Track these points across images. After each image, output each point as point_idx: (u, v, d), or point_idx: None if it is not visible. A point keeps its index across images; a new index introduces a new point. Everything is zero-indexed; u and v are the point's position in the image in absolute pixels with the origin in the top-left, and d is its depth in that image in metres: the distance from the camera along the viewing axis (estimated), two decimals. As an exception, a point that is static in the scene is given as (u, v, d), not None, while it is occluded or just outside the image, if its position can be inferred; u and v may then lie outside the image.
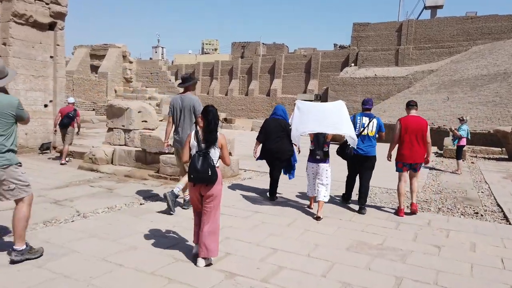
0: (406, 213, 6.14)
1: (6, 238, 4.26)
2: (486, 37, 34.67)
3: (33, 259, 3.65)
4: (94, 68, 30.11)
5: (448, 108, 23.64)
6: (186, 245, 4.32)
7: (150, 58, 65.56)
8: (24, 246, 3.64)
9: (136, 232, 4.65)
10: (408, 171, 6.19)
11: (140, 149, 9.28)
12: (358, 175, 6.51)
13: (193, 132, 3.87)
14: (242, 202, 6.52)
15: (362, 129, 6.13)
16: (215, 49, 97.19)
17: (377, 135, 6.31)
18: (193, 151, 3.77)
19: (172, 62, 71.14)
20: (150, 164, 9.17)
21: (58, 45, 11.91)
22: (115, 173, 9.05)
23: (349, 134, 5.62)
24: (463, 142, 11.80)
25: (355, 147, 6.00)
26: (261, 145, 6.71)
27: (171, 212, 5.48)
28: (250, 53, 64.01)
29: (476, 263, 4.23)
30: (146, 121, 10.26)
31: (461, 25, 36.28)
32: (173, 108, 5.87)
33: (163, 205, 5.96)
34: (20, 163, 3.72)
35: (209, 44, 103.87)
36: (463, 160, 14.00)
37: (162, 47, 67.03)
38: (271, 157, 6.62)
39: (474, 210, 6.92)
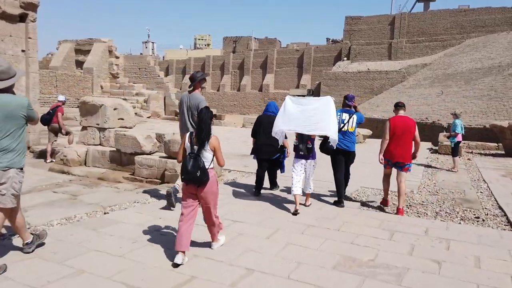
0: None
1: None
2: (480, 30, 34.22)
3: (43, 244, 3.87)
4: (80, 64, 29.21)
5: (442, 103, 23.15)
6: (144, 271, 3.68)
7: (141, 54, 64.51)
8: (31, 239, 3.81)
9: (88, 251, 4.00)
10: (391, 170, 6.36)
11: (115, 149, 8.60)
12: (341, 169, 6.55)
13: (187, 134, 4.00)
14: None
15: (342, 125, 6.25)
16: (208, 45, 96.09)
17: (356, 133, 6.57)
18: (186, 153, 3.93)
19: (163, 57, 70.04)
20: (125, 165, 8.51)
21: (30, 38, 11.14)
22: (88, 175, 8.38)
23: (330, 135, 5.71)
24: (459, 138, 11.27)
25: (334, 146, 6.07)
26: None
27: (172, 208, 5.59)
28: (242, 48, 63.17)
29: (482, 283, 3.64)
30: (122, 119, 9.57)
31: (454, 18, 35.78)
32: (180, 106, 6.01)
33: (130, 214, 5.32)
34: (21, 168, 3.60)
35: (202, 39, 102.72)
36: (459, 157, 13.51)
37: (153, 42, 66.00)
38: (260, 153, 6.68)
39: (474, 214, 6.36)
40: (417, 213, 6.32)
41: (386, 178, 6.40)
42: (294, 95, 7.80)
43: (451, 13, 36.20)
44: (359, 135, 16.45)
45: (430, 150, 15.17)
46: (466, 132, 17.84)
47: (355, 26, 41.13)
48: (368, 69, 36.37)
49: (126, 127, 9.55)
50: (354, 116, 6.33)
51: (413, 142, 6.08)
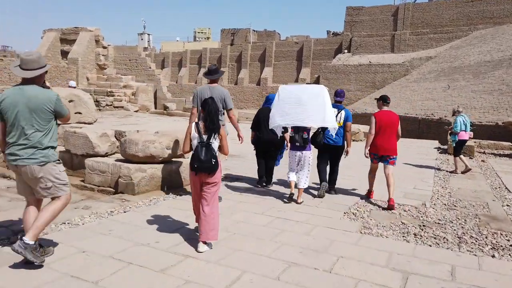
0: (384, 208, 6.02)
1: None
2: (488, 21, 32.52)
3: (30, 261, 3.23)
4: (65, 54, 27.67)
5: (449, 97, 21.63)
6: None
7: (137, 46, 62.84)
8: (32, 243, 3.27)
9: None
10: (378, 164, 6.43)
11: (64, 149, 7.14)
12: (328, 163, 6.72)
13: (193, 124, 4.09)
14: (175, 239, 4.40)
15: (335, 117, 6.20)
16: (208, 38, 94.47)
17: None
18: (195, 142, 3.99)
19: (160, 50, 68.37)
20: (77, 169, 7.06)
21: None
22: (31, 181, 6.92)
23: (328, 125, 5.82)
24: (462, 136, 9.72)
25: (328, 136, 6.32)
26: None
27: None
28: (240, 41, 61.55)
29: None
30: (80, 113, 8.12)
31: (461, 9, 34.05)
32: (199, 99, 5.72)
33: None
34: (59, 160, 3.58)
35: (201, 32, 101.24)
36: (470, 158, 12.05)
37: (148, 34, 63.97)
38: (262, 146, 6.82)
39: (508, 240, 4.90)
40: (434, 237, 4.86)
41: (373, 172, 6.49)
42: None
43: (458, 4, 34.46)
44: (360, 132, 14.99)
45: (438, 150, 13.68)
46: (477, 130, 16.40)
47: (357, 17, 39.38)
48: (370, 62, 34.74)
49: (85, 123, 8.10)
50: (342, 112, 6.48)
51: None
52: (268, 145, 6.76)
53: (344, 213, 5.68)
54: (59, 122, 3.63)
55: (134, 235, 4.29)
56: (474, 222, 5.58)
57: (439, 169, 10.02)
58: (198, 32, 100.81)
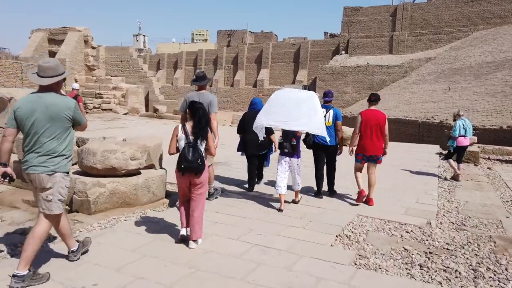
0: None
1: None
2: (488, 22, 31.75)
3: (35, 285, 3.13)
4: (53, 55, 26.78)
5: (450, 100, 20.82)
6: None
7: (129, 47, 61.94)
8: (27, 271, 3.16)
9: None
10: (367, 164, 6.34)
11: (18, 159, 6.24)
12: (325, 165, 6.73)
13: (180, 125, 4.21)
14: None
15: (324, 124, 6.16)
16: (206, 40, 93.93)
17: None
18: (182, 143, 4.08)
19: (156, 51, 67.55)
20: (31, 182, 6.14)
21: None
22: (-22, 196, 6.03)
23: (317, 131, 5.57)
24: (461, 142, 8.93)
25: (320, 137, 6.19)
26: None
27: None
28: (236, 42, 60.80)
29: None
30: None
31: (461, 9, 33.29)
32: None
33: None
34: (68, 172, 3.47)
35: (199, 34, 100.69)
36: (475, 165, 11.21)
37: (144, 35, 63.01)
38: (248, 149, 6.81)
39: (534, 272, 4.05)
40: (444, 270, 4.00)
41: (359, 171, 6.37)
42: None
43: (457, 4, 33.71)
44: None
45: (440, 156, 12.79)
46: (480, 134, 15.58)
47: (354, 17, 38.63)
48: (368, 63, 33.95)
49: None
50: (331, 111, 6.52)
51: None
52: (257, 147, 6.73)
53: (337, 236, 4.82)
54: (75, 130, 3.57)
55: (67, 274, 3.42)
56: (489, 248, 4.73)
57: (444, 178, 9.18)
58: (196, 34, 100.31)
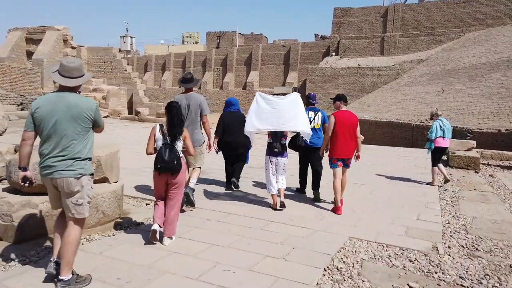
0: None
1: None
2: (480, 23, 31.22)
3: None
4: (31, 55, 25.60)
5: (444, 102, 20.07)
6: None
7: (119, 49, 60.60)
8: (71, 275, 3.19)
9: None
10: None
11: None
12: (310, 165, 6.79)
13: (157, 126, 4.25)
14: None
15: (309, 122, 6.29)
16: (196, 42, 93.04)
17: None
18: (159, 143, 4.15)
19: (144, 53, 66.28)
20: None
21: None
22: None
23: (304, 130, 5.86)
24: (439, 142, 8.23)
25: (308, 140, 6.26)
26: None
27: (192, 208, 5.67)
28: (226, 44, 59.88)
29: None
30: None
31: (453, 10, 32.75)
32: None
33: None
34: (93, 174, 3.45)
35: (190, 37, 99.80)
36: (476, 172, 10.38)
37: (131, 37, 61.63)
38: (228, 150, 6.84)
39: None
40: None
41: (338, 178, 6.02)
42: (278, 93, 7.30)
43: (449, 5, 33.18)
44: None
45: (438, 162, 11.93)
46: (477, 138, 14.81)
47: (345, 18, 37.91)
48: (359, 65, 33.21)
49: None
50: (319, 114, 6.61)
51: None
52: (237, 147, 6.79)
53: (325, 269, 3.86)
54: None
55: None
56: (513, 282, 3.80)
57: (441, 186, 8.31)
58: (187, 37, 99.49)
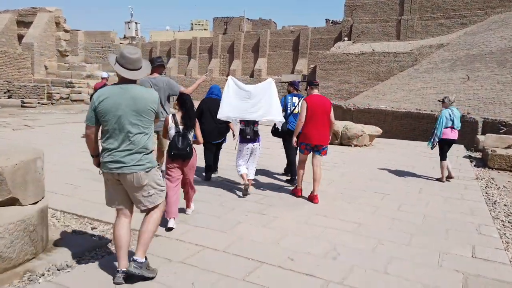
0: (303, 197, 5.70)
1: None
2: (507, 5, 28.71)
3: (147, 278, 3.12)
4: (21, 39, 24.04)
5: (471, 90, 18.01)
6: None
7: (124, 36, 58.97)
8: (144, 259, 3.17)
9: None
10: (311, 155, 5.84)
11: None
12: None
13: (170, 116, 4.43)
14: None
15: (293, 107, 6.63)
16: (205, 29, 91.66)
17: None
18: (172, 132, 4.36)
19: (149, 39, 64.55)
20: None
21: None
22: None
23: (276, 118, 5.88)
24: (447, 134, 7.30)
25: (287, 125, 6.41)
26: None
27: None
28: (233, 30, 57.94)
29: None
30: None
31: (476, -9, 30.32)
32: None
33: None
34: (159, 164, 3.51)
35: (199, 24, 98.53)
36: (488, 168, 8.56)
37: (136, 23, 59.77)
38: (210, 137, 6.59)
39: None
40: None
41: (302, 164, 5.88)
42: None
43: (472, -15, 30.71)
44: (364, 135, 11.41)
45: (471, 162, 10.02)
46: (511, 132, 12.95)
47: (358, 0, 35.58)
48: (373, 50, 31.05)
49: None
50: (302, 100, 6.38)
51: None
52: (216, 134, 6.64)
53: None
54: None
55: None
56: None
57: (487, 194, 6.52)
58: (195, 24, 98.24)
